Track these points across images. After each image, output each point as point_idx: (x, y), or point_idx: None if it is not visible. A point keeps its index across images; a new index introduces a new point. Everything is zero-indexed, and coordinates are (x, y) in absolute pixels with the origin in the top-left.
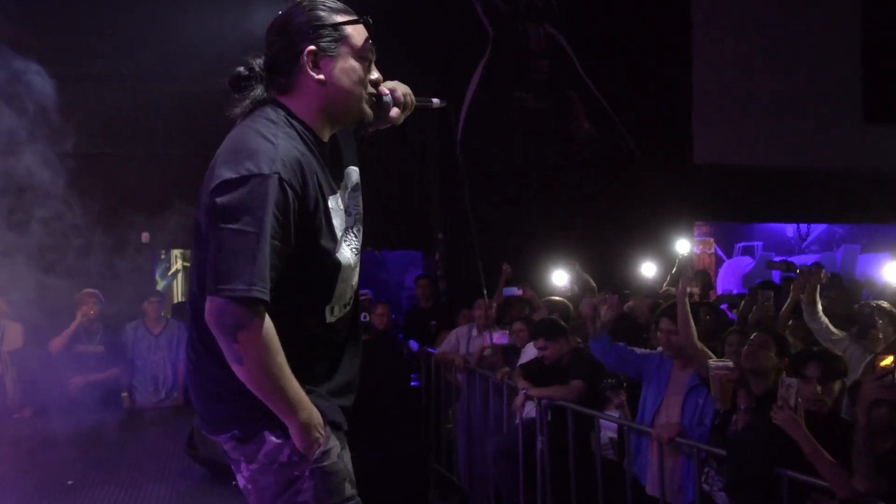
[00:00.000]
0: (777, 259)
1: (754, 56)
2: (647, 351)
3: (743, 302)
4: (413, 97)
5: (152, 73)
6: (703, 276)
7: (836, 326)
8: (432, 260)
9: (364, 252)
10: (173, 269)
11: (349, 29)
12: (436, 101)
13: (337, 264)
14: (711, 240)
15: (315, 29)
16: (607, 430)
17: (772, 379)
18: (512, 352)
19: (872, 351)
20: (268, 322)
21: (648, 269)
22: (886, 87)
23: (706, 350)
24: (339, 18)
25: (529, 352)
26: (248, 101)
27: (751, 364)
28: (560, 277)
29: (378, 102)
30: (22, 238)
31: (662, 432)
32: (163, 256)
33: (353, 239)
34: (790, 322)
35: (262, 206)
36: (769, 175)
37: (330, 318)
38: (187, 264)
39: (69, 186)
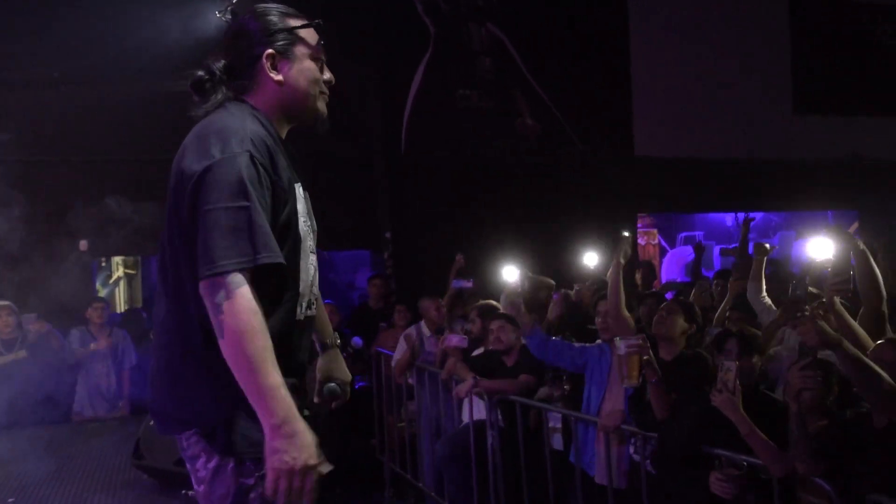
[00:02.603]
0: (716, 250)
1: (689, 52)
2: (586, 344)
3: (692, 292)
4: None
5: (87, 78)
6: (646, 266)
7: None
8: (381, 259)
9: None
10: (115, 277)
11: (303, 32)
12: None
13: (301, 250)
14: (655, 231)
15: (271, 33)
16: (555, 423)
17: (680, 345)
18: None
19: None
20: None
21: (591, 259)
22: (814, 80)
23: (629, 318)
24: (293, 23)
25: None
26: (210, 104)
27: (661, 330)
28: (511, 273)
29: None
30: None
31: (608, 421)
32: (103, 264)
33: (312, 234)
34: (728, 313)
35: (240, 181)
36: (706, 166)
37: (300, 314)
38: (130, 271)
39: (3, 195)
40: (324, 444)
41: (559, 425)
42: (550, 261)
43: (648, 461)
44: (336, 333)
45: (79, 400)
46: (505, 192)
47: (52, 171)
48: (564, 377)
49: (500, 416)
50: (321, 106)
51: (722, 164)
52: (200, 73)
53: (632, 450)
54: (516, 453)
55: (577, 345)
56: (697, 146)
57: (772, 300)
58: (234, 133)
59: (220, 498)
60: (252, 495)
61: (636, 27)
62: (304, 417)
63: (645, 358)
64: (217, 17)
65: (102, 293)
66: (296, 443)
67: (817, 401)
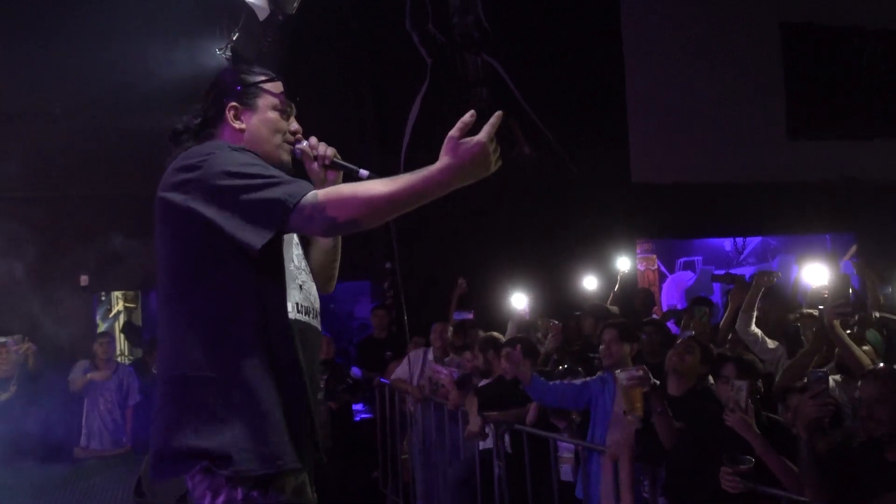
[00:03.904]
0: (718, 272)
1: (684, 79)
2: (587, 379)
3: (683, 318)
4: (334, 157)
5: (87, 112)
6: (645, 292)
7: (771, 335)
8: (381, 289)
9: None
10: (114, 311)
11: (267, 86)
12: (363, 172)
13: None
14: (654, 256)
15: (236, 86)
16: (565, 451)
17: (692, 382)
18: (466, 381)
19: None
20: (331, 188)
21: (590, 283)
22: (807, 104)
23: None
24: (258, 78)
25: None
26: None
27: (676, 364)
28: (519, 300)
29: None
30: None
31: (615, 449)
32: (103, 298)
33: (297, 247)
34: (729, 337)
35: (231, 157)
36: (703, 192)
37: (297, 315)
38: (130, 305)
39: (3, 229)
40: (324, 479)
41: (567, 455)
42: (550, 288)
43: (659, 494)
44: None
45: (83, 435)
46: (503, 221)
47: (52, 206)
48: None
49: (507, 444)
50: (284, 155)
51: (719, 189)
52: (177, 125)
53: (645, 484)
54: (524, 482)
55: (577, 382)
56: (694, 172)
57: (769, 323)
58: (211, 142)
59: None
60: None
61: (631, 54)
62: (319, 463)
63: (645, 390)
64: (218, 53)
65: (102, 327)
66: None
67: (827, 426)
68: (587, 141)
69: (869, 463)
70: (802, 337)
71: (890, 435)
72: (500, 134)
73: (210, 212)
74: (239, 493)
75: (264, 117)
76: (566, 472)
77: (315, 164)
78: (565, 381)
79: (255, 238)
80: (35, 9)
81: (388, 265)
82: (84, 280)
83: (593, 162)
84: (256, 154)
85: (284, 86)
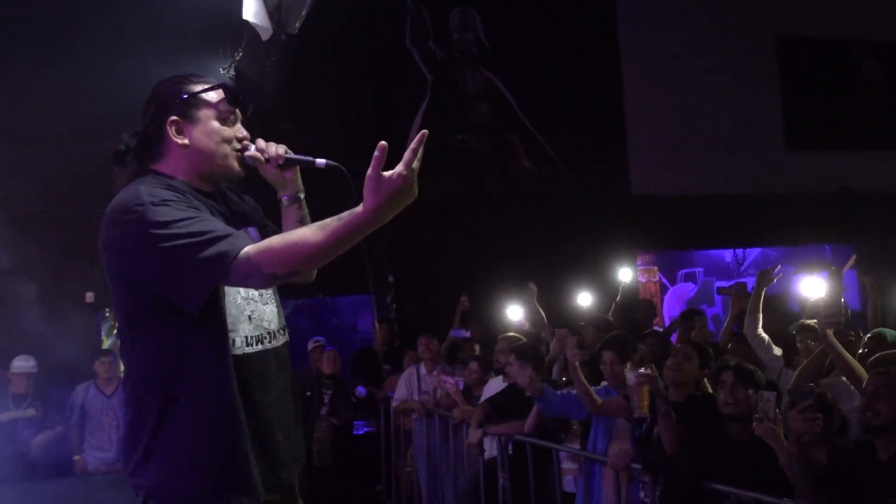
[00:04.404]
0: (723, 285)
1: (682, 91)
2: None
3: (678, 329)
4: (286, 154)
5: (93, 133)
6: (646, 304)
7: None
8: (384, 303)
9: (315, 298)
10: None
11: (208, 95)
12: (319, 161)
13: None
14: (655, 268)
15: (173, 100)
16: (567, 461)
17: (691, 388)
18: (468, 392)
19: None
20: (263, 243)
21: (584, 299)
22: (805, 116)
23: (611, 402)
24: (197, 88)
25: (491, 388)
26: (125, 177)
27: (675, 376)
28: (515, 312)
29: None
30: None
31: (617, 460)
32: (108, 314)
33: None
34: (729, 345)
35: (156, 215)
36: (703, 203)
37: (248, 349)
38: None
39: (8, 250)
40: (326, 493)
41: (572, 466)
42: (551, 301)
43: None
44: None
45: (87, 452)
46: (503, 235)
47: (59, 225)
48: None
49: (510, 454)
50: (232, 163)
51: (718, 201)
52: (119, 146)
53: (642, 494)
54: (528, 492)
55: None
56: (693, 183)
57: (770, 334)
58: (133, 194)
59: None
60: None
61: (629, 68)
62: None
63: (654, 388)
64: (222, 73)
65: (107, 344)
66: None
67: (820, 438)
68: (587, 154)
69: (862, 466)
70: (798, 345)
71: (885, 427)
72: (500, 147)
73: (145, 274)
74: None
75: (207, 129)
76: (569, 482)
77: (269, 167)
78: (571, 392)
79: (191, 302)
80: (41, 33)
81: (391, 279)
82: (90, 297)
83: (593, 175)
84: (209, 184)
85: (281, 103)
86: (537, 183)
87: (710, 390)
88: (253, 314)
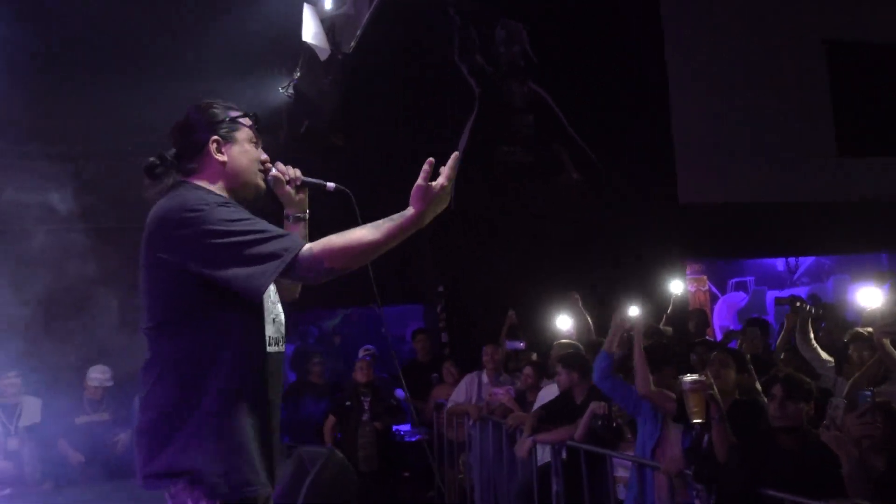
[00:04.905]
0: (778, 294)
1: (729, 99)
2: None
3: (741, 339)
4: (303, 176)
5: (157, 150)
6: (699, 314)
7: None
8: (434, 313)
9: (365, 308)
10: None
11: (244, 120)
12: (330, 185)
13: None
14: (704, 277)
15: (216, 123)
16: (620, 469)
17: (734, 394)
18: (521, 398)
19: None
20: (323, 240)
21: (633, 312)
22: (855, 122)
23: (662, 392)
24: (233, 114)
25: (545, 394)
26: (161, 187)
27: (717, 383)
28: (564, 322)
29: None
30: (38, 311)
31: (671, 466)
32: None
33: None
34: (783, 355)
35: (220, 214)
36: (752, 211)
37: (269, 348)
38: None
39: (85, 261)
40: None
41: (625, 474)
42: (599, 313)
43: None
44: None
45: None
46: (550, 246)
47: (129, 236)
48: (615, 424)
49: (563, 459)
50: (259, 180)
51: (768, 209)
52: (152, 159)
53: (697, 502)
54: (581, 497)
55: (634, 388)
56: (742, 191)
57: (825, 346)
58: (195, 195)
59: None
60: None
61: (675, 75)
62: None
63: (708, 393)
64: (281, 92)
65: None
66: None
67: (879, 444)
68: (634, 164)
69: None
70: (851, 354)
71: None
72: (546, 159)
73: (207, 269)
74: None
75: (243, 149)
76: (622, 491)
77: (287, 188)
78: (626, 383)
79: (256, 292)
80: (115, 55)
81: (440, 289)
82: None
83: (640, 184)
84: (236, 199)
85: (325, 121)
86: (584, 194)
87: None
88: (276, 318)
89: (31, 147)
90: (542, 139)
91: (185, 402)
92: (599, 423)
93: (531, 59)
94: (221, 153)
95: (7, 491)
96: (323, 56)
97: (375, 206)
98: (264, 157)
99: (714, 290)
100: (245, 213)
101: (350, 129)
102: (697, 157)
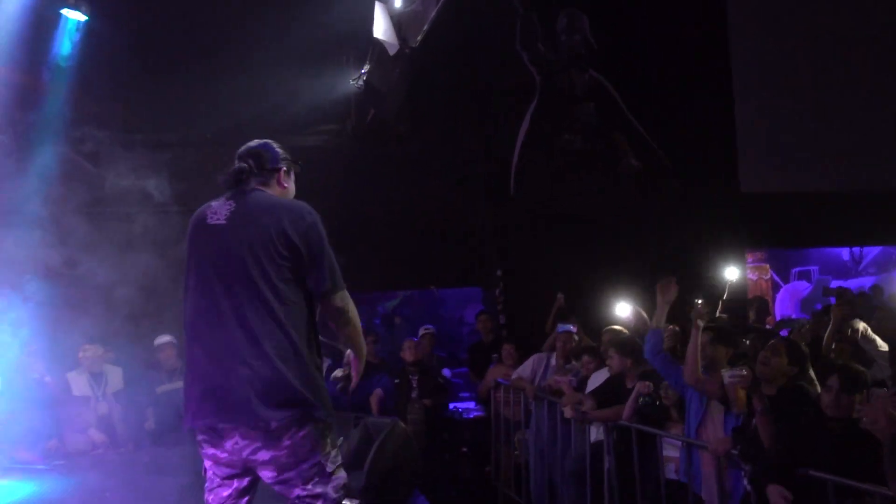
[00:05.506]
0: (837, 284)
1: (793, 87)
2: None
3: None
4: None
5: (232, 138)
6: (760, 302)
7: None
8: (492, 295)
9: (423, 291)
10: None
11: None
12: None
13: None
14: (767, 266)
15: (283, 159)
16: (669, 448)
17: (782, 381)
18: (582, 384)
19: None
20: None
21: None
22: None
23: (708, 380)
24: (289, 157)
25: (595, 380)
26: (246, 185)
27: (763, 369)
28: (623, 309)
29: None
30: (138, 290)
31: (718, 447)
32: None
33: None
34: (833, 346)
35: (322, 229)
36: (814, 200)
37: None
38: None
39: (178, 243)
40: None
41: (675, 454)
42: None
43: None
44: None
45: None
46: (610, 232)
47: None
48: (658, 402)
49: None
50: None
51: (832, 198)
52: (244, 165)
53: (745, 481)
54: (633, 476)
55: (682, 367)
56: (805, 180)
57: (883, 333)
58: (301, 204)
59: (305, 453)
60: (321, 443)
61: (738, 62)
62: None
63: (749, 387)
64: (351, 84)
65: None
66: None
67: None
68: (694, 151)
69: None
70: None
71: None
72: (606, 146)
73: (308, 261)
74: (315, 431)
75: (291, 182)
76: (671, 470)
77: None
78: (673, 360)
79: (322, 289)
80: (191, 49)
81: (499, 272)
82: None
83: (701, 172)
84: None
85: (391, 111)
86: (643, 180)
87: (819, 387)
88: None
89: (132, 137)
90: (603, 127)
91: (292, 348)
92: (642, 401)
93: (592, 46)
94: (284, 181)
95: (99, 450)
96: (392, 51)
97: (437, 194)
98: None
99: (776, 278)
100: None
101: (415, 119)
102: (760, 146)
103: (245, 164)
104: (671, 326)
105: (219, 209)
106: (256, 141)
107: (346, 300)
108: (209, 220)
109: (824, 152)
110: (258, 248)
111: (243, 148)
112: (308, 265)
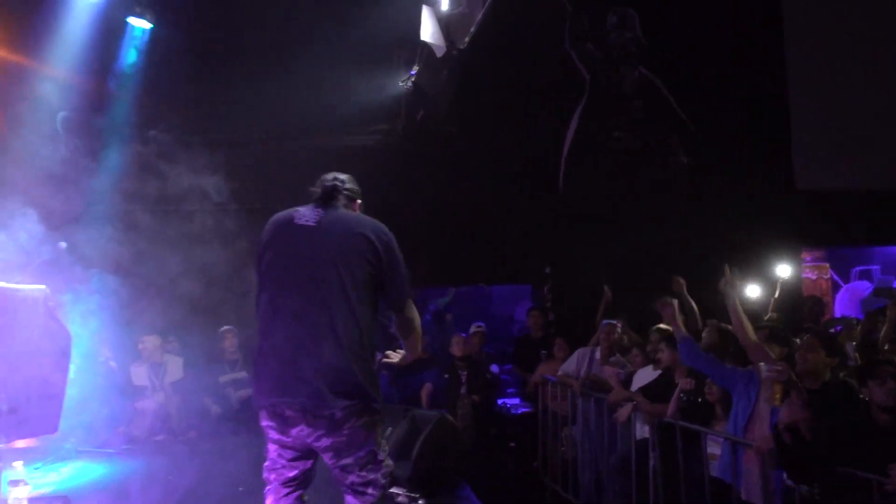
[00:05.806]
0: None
1: (849, 82)
2: (738, 367)
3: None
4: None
5: (285, 135)
6: (813, 300)
7: None
8: (541, 292)
9: (473, 287)
10: None
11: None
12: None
13: None
14: (826, 265)
15: (359, 194)
16: (713, 446)
17: (825, 376)
18: (629, 379)
19: None
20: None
21: (753, 291)
22: None
23: (762, 347)
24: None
25: (642, 377)
26: (337, 202)
27: (801, 365)
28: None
29: None
30: (181, 283)
31: (763, 444)
32: None
33: None
34: (886, 346)
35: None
36: (872, 198)
37: None
38: None
39: (237, 239)
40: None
41: (718, 452)
42: (710, 297)
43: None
44: None
45: None
46: (660, 230)
47: (262, 217)
48: (700, 399)
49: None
50: None
51: (890, 196)
52: (337, 183)
53: (784, 475)
54: (677, 472)
55: (728, 366)
56: (863, 177)
57: None
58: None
59: (361, 440)
60: (375, 432)
61: (793, 57)
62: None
63: (787, 382)
64: (401, 85)
65: None
66: None
67: None
68: (748, 148)
69: None
70: None
71: None
72: (656, 144)
73: (390, 274)
74: (371, 421)
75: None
76: (715, 467)
77: None
78: (718, 360)
79: (398, 305)
80: (252, 52)
81: (548, 270)
82: None
83: (754, 169)
84: None
85: (440, 112)
86: (694, 178)
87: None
88: None
89: (191, 138)
90: (652, 125)
91: (365, 347)
92: (685, 397)
93: (642, 44)
94: (358, 211)
95: (160, 437)
96: (440, 53)
97: (486, 192)
98: None
99: (836, 278)
100: None
101: (463, 119)
102: (816, 142)
103: (339, 183)
104: (712, 322)
105: (307, 213)
106: (342, 174)
107: (413, 311)
108: (297, 221)
109: (884, 148)
110: (348, 251)
111: (330, 174)
112: (388, 276)
